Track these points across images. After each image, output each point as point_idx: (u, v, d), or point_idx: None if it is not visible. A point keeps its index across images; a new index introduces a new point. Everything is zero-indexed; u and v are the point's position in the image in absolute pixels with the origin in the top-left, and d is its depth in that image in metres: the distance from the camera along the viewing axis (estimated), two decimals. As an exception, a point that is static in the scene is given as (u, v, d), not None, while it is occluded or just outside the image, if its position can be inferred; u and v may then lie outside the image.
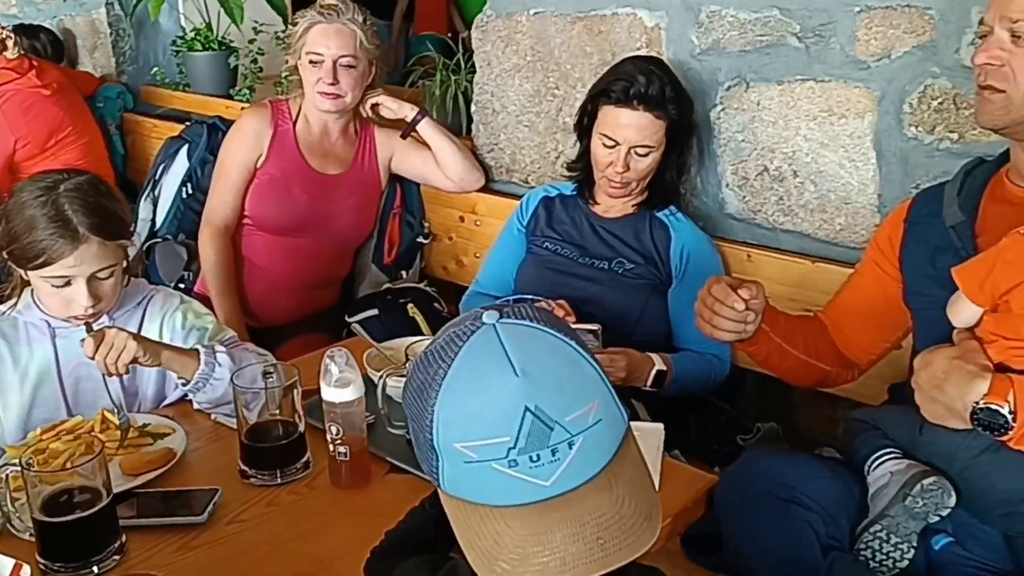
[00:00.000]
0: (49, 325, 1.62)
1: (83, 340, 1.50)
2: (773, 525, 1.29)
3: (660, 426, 1.59)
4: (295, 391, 1.44)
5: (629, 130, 1.93)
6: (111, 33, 3.96)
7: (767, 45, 2.01)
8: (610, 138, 1.96)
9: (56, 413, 1.61)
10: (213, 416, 1.61)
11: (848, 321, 1.65)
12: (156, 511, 1.32)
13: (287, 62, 2.43)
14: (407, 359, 1.51)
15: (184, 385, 1.57)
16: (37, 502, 1.19)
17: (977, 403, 1.24)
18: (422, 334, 2.34)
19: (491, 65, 2.55)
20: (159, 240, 2.87)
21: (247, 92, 3.43)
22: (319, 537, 1.33)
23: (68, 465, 1.28)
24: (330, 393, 1.38)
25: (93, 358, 1.49)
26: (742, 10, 2.03)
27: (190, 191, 2.82)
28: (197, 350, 1.56)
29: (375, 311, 2.45)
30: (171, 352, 1.56)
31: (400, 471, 1.46)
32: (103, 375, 1.53)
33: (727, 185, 2.16)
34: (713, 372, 2.06)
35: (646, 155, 1.97)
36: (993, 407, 1.22)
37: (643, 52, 2.18)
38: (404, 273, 2.69)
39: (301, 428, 1.45)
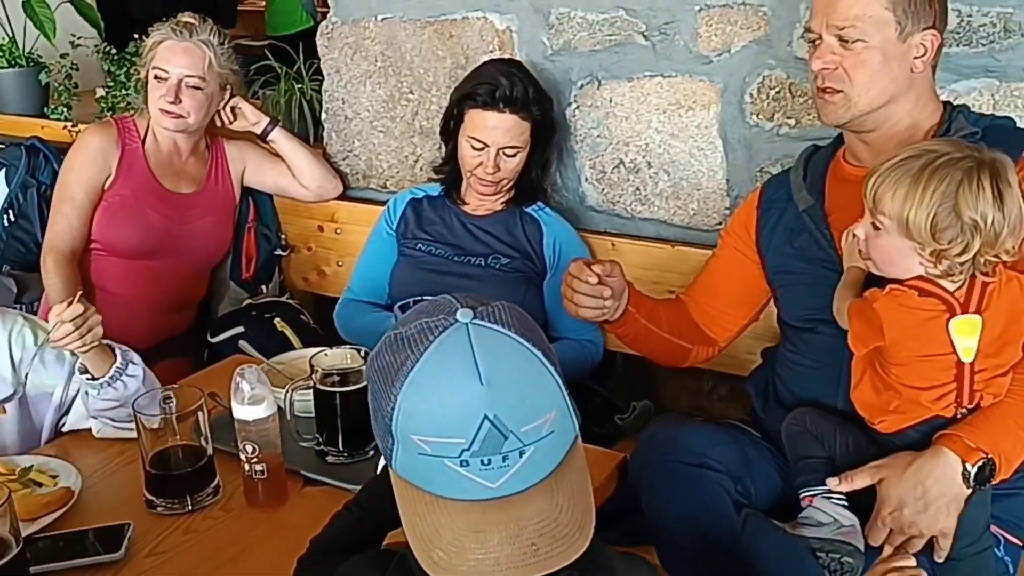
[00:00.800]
0: None
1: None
2: (688, 489, 1.38)
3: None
4: (200, 413, 1.40)
5: (497, 132, 1.99)
6: None
7: (616, 44, 2.12)
8: (479, 140, 2.01)
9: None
10: (98, 430, 1.55)
11: (709, 301, 1.75)
12: (68, 553, 1.25)
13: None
14: (312, 371, 1.49)
15: (91, 381, 1.51)
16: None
17: (966, 472, 1.33)
18: (293, 347, 2.32)
19: (340, 72, 2.54)
20: (-20, 273, 2.67)
21: (63, 110, 3.22)
22: (245, 559, 1.30)
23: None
24: (243, 411, 1.35)
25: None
26: (590, 11, 2.13)
27: (12, 218, 2.63)
28: (111, 346, 1.52)
29: (240, 328, 2.39)
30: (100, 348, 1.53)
31: (316, 483, 1.45)
32: None
33: (586, 179, 2.26)
34: (589, 357, 2.15)
35: (514, 155, 2.03)
36: (979, 463, 1.33)
37: (496, 55, 2.25)
38: (264, 288, 2.62)
39: (210, 451, 1.41)
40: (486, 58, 2.24)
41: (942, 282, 1.36)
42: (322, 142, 2.65)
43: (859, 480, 1.39)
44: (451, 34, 2.33)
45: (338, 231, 2.58)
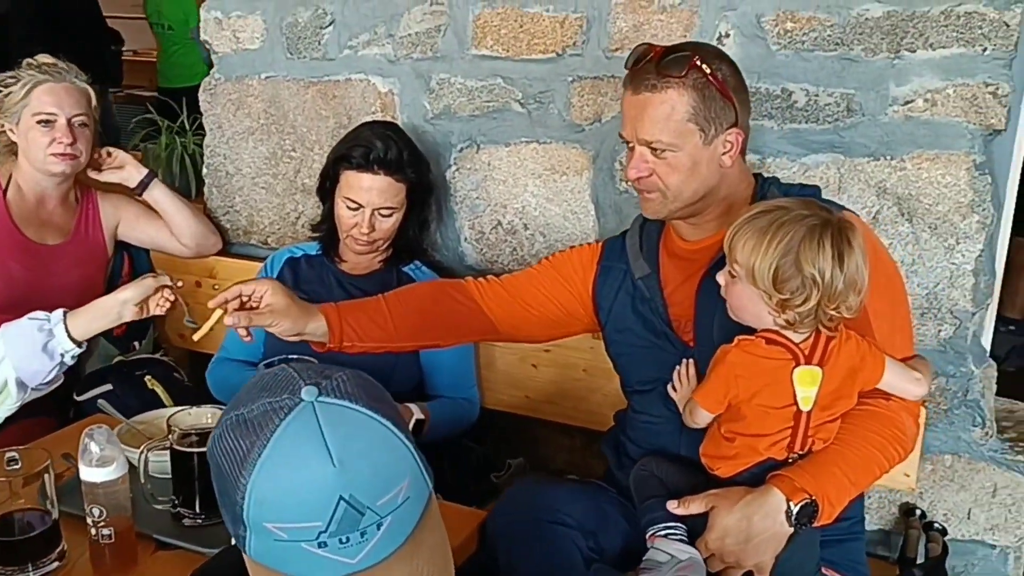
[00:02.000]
0: None
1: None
2: (540, 544, 1.40)
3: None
4: (47, 475, 1.35)
5: (372, 193, 2.01)
6: None
7: (494, 110, 2.18)
8: (354, 201, 2.02)
9: None
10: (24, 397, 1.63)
11: (515, 309, 1.75)
12: None
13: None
14: (170, 430, 1.46)
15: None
16: None
17: (790, 511, 1.39)
18: (164, 406, 2.26)
19: (222, 128, 2.53)
20: None
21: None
22: (86, 629, 1.25)
23: None
24: (91, 473, 1.31)
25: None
26: (469, 78, 2.19)
27: None
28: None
29: (108, 386, 2.31)
30: None
31: (169, 547, 1.41)
32: None
33: (465, 239, 2.30)
34: (466, 415, 2.16)
35: (389, 215, 2.05)
36: (802, 502, 1.39)
37: (379, 116, 2.28)
38: (136, 344, 2.55)
39: (55, 515, 1.36)
40: (369, 119, 2.28)
41: (789, 333, 1.44)
42: (203, 196, 2.63)
43: (694, 506, 1.45)
44: (334, 95, 2.36)
45: (216, 287, 2.54)
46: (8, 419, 2.23)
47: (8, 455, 1.37)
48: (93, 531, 1.33)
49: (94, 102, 2.27)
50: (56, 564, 1.36)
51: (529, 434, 2.38)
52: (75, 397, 2.34)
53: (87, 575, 1.35)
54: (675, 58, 1.53)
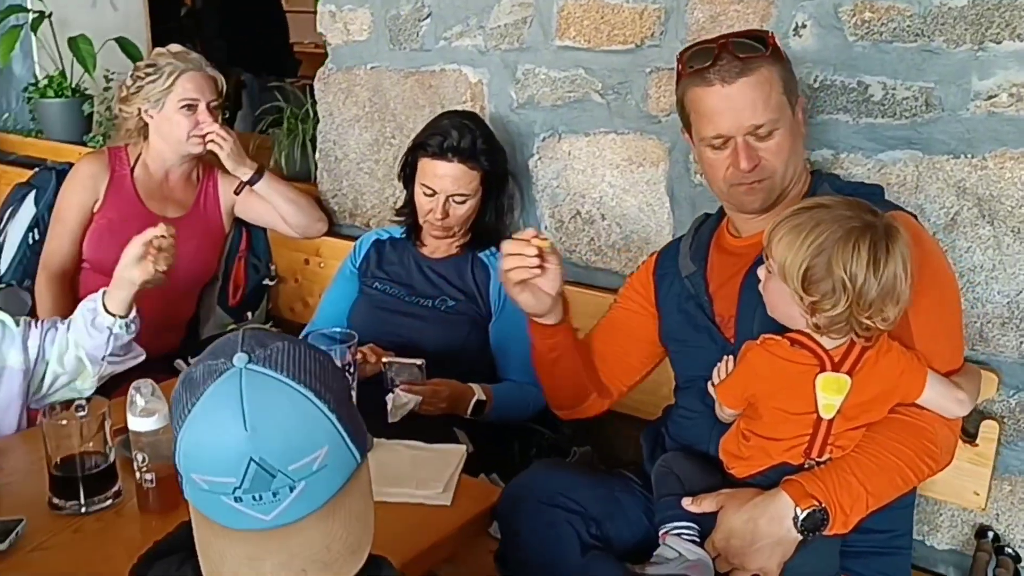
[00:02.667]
0: None
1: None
2: (537, 526, 1.44)
3: (463, 448, 1.72)
4: (105, 424, 1.51)
5: (446, 180, 2.09)
6: (-49, 79, 3.94)
7: (575, 100, 2.21)
8: (429, 187, 2.11)
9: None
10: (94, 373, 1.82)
11: (608, 350, 1.79)
12: (-42, 541, 1.37)
13: (123, 110, 2.47)
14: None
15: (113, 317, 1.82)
16: None
17: (796, 516, 1.36)
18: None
19: (333, 115, 2.68)
20: (2, 285, 2.87)
21: (100, 139, 3.46)
22: (123, 561, 1.38)
23: None
24: (136, 423, 1.45)
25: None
26: (552, 69, 2.22)
27: (36, 237, 2.82)
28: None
29: (215, 352, 2.52)
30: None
31: (208, 497, 1.54)
32: None
33: (545, 227, 2.33)
34: (532, 400, 2.19)
35: (463, 202, 2.12)
36: (809, 509, 1.36)
37: (468, 105, 2.36)
38: (250, 315, 2.76)
39: (111, 459, 1.52)
40: (459, 108, 2.36)
41: (819, 338, 1.39)
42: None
43: (706, 504, 1.44)
44: (430, 84, 2.45)
45: (321, 264, 2.71)
46: (125, 379, 2.49)
47: (77, 403, 1.54)
48: (138, 475, 1.48)
49: (223, 88, 2.47)
50: (110, 501, 1.51)
51: (602, 425, 2.38)
52: (188, 361, 2.57)
53: (134, 514, 1.50)
54: (753, 37, 1.55)
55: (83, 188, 2.45)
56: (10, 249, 2.88)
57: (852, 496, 1.37)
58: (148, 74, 2.43)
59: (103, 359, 1.84)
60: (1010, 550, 1.80)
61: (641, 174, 2.15)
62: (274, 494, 0.92)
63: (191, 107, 2.40)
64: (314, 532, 0.95)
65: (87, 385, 1.86)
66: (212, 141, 2.43)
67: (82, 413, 1.52)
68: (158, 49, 2.50)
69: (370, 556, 1.00)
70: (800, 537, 1.37)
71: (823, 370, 1.39)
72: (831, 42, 1.83)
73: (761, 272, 1.45)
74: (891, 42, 1.77)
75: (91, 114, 3.59)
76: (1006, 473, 1.81)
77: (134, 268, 1.83)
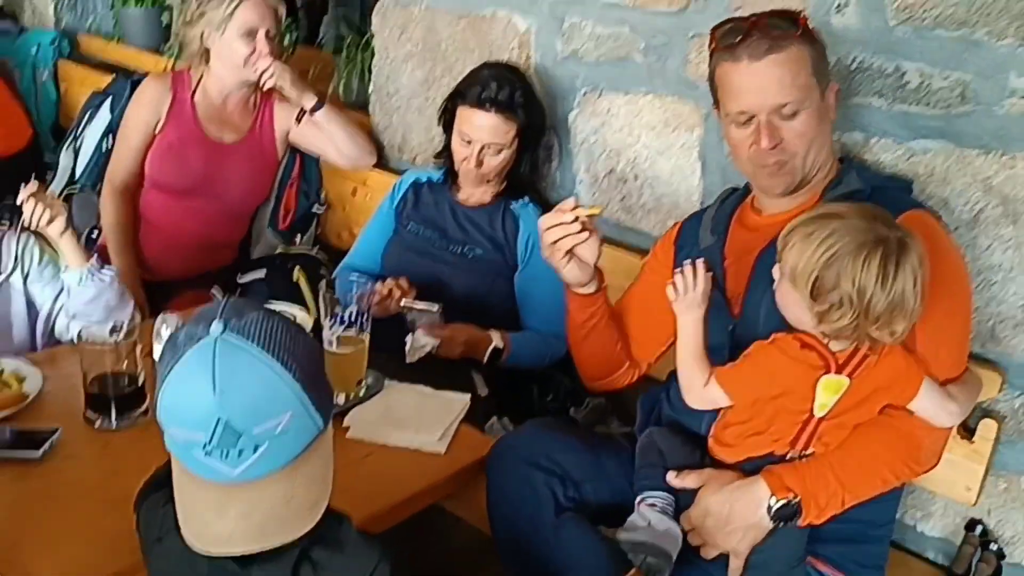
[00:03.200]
0: None
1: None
2: (518, 484, 1.53)
3: (466, 397, 1.82)
4: (138, 346, 1.65)
5: (482, 131, 2.14)
6: (50, -20, 4.08)
7: (617, 59, 2.21)
8: (466, 135, 2.16)
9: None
10: (78, 330, 1.76)
11: (634, 321, 1.84)
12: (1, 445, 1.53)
13: (187, 33, 2.56)
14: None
15: (67, 272, 1.85)
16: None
17: (771, 505, 1.43)
18: (303, 300, 2.57)
19: (388, 50, 2.73)
20: (76, 189, 3.05)
21: (176, 48, 3.57)
22: (143, 474, 1.53)
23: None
24: (160, 351, 1.58)
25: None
26: (599, 24, 2.22)
27: (110, 144, 2.98)
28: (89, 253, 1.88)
29: (263, 273, 2.65)
30: (73, 239, 1.86)
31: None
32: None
33: (580, 181, 2.37)
34: (551, 350, 2.27)
35: (498, 153, 2.17)
36: (783, 500, 1.42)
37: (515, 52, 2.38)
38: (298, 238, 2.88)
39: (140, 380, 1.66)
40: (506, 56, 2.39)
41: (828, 341, 1.42)
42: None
43: (689, 480, 1.51)
44: (480, 28, 2.47)
45: (368, 196, 2.80)
46: (186, 287, 2.65)
47: (112, 326, 1.67)
48: (161, 398, 1.61)
49: (283, 16, 2.54)
50: (139, 419, 1.65)
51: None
52: (238, 279, 2.71)
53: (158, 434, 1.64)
54: (786, 17, 1.56)
55: (146, 109, 2.57)
56: (85, 154, 3.06)
57: (828, 492, 1.42)
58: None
59: (75, 317, 1.90)
60: (995, 545, 1.83)
61: (676, 138, 2.16)
62: (239, 452, 1.03)
63: (250, 34, 2.47)
64: (276, 488, 1.06)
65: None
66: (269, 76, 2.50)
67: (116, 336, 1.66)
68: None
69: (330, 511, 1.10)
70: (772, 525, 1.43)
71: (827, 372, 1.42)
72: (872, 23, 1.79)
73: (775, 271, 1.47)
74: (933, 29, 1.73)
75: (169, 24, 3.69)
76: (1003, 471, 1.82)
77: (34, 224, 1.86)
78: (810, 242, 1.37)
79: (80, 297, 1.85)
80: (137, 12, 3.75)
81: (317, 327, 2.12)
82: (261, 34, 2.46)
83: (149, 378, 1.68)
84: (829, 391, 1.44)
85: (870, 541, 1.61)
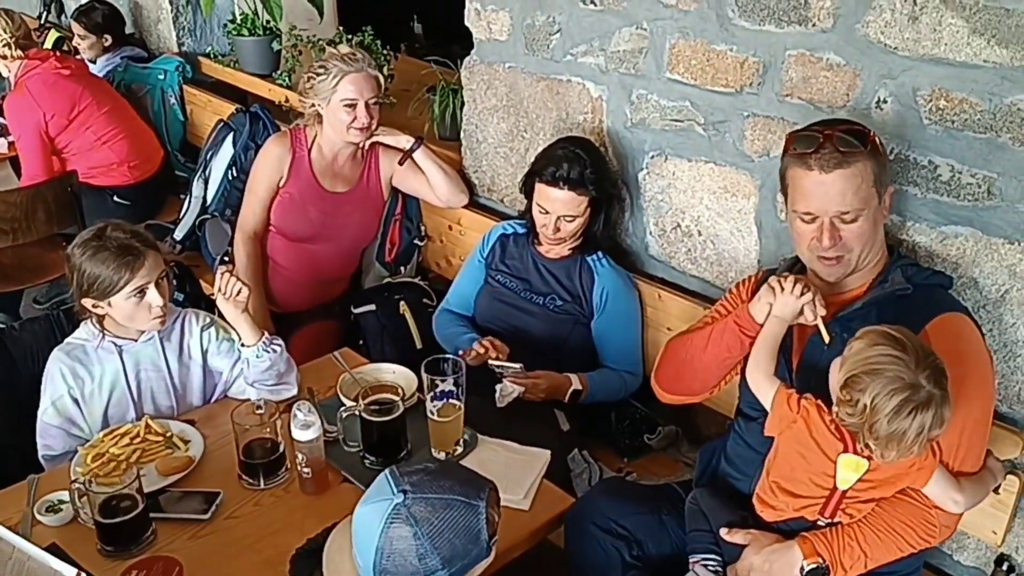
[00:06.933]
0: (116, 345, 2.20)
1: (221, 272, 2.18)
2: (590, 546, 1.84)
3: (547, 453, 2.13)
4: (278, 419, 2.02)
5: (557, 204, 2.42)
6: (171, 9, 4.47)
7: (680, 129, 2.43)
8: (543, 207, 2.44)
9: (126, 410, 2.19)
10: (256, 395, 2.15)
11: None
12: (176, 508, 1.92)
13: (303, 103, 2.89)
14: (364, 396, 2.04)
15: (245, 347, 2.19)
16: (95, 507, 1.81)
17: (803, 567, 1.69)
18: (410, 328, 2.93)
19: (476, 102, 3.00)
20: (208, 216, 3.47)
21: (287, 76, 3.91)
22: (289, 532, 1.89)
23: (122, 467, 1.95)
24: (297, 433, 1.94)
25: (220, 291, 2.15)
26: (662, 97, 2.44)
27: (235, 174, 3.39)
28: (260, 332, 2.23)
29: (373, 307, 3.01)
30: (250, 317, 2.21)
31: (350, 482, 2.04)
32: (166, 379, 2.21)
33: (650, 233, 2.62)
34: (626, 385, 2.57)
35: (572, 221, 2.45)
36: (814, 565, 1.69)
37: (589, 117, 2.62)
38: (403, 269, 3.23)
39: (282, 448, 2.04)
40: (581, 118, 2.63)
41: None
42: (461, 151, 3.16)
43: (738, 537, 1.79)
44: (558, 91, 2.71)
45: (461, 232, 3.11)
46: (308, 319, 3.04)
47: (256, 403, 2.05)
48: (299, 468, 1.98)
49: (383, 85, 2.85)
50: (281, 481, 2.02)
51: (688, 406, 2.72)
52: (352, 310, 3.08)
53: (297, 493, 2.01)
54: (856, 134, 1.76)
55: (272, 167, 2.93)
56: (214, 184, 3.47)
57: (853, 558, 1.69)
58: (319, 74, 2.83)
59: (253, 384, 2.23)
60: (1021, 580, 2.06)
61: (734, 203, 2.38)
62: None
63: (352, 105, 2.78)
64: None
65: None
66: (367, 138, 2.85)
67: (260, 410, 2.04)
68: (330, 50, 2.88)
69: None
70: None
71: (846, 450, 1.68)
72: (908, 120, 1.97)
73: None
74: (962, 130, 1.90)
75: (279, 51, 4.04)
76: (1026, 516, 2.05)
77: (225, 307, 2.20)
78: (871, 349, 1.59)
79: (257, 367, 2.21)
80: (249, 41, 4.10)
81: (416, 353, 2.50)
82: (361, 105, 2.77)
83: (288, 446, 2.04)
84: (849, 468, 1.69)
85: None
